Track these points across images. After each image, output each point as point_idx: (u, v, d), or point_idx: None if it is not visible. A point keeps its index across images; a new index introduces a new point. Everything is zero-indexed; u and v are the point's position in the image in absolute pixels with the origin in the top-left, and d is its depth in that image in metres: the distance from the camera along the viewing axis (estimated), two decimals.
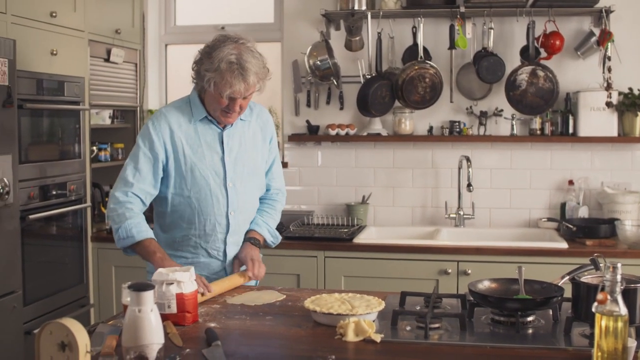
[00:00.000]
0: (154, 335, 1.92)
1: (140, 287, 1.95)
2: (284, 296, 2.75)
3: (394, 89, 4.63)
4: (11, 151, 3.58)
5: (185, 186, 2.90)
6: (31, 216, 3.85)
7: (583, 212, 4.56)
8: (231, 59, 2.73)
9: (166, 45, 5.45)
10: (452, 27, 4.58)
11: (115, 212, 2.81)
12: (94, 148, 4.74)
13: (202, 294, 2.64)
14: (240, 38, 2.81)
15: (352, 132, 4.81)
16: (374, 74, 4.69)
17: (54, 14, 4.05)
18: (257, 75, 2.76)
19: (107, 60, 4.70)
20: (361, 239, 4.33)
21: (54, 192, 4.10)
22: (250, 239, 3.03)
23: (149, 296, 1.94)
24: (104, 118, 4.99)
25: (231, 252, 3.00)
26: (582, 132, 4.52)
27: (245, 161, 2.96)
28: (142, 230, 2.80)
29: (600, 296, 1.81)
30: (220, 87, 2.74)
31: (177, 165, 2.88)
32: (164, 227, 3.00)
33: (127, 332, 1.92)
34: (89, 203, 4.47)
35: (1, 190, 3.49)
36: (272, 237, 3.14)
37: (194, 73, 2.84)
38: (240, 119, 2.96)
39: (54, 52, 4.07)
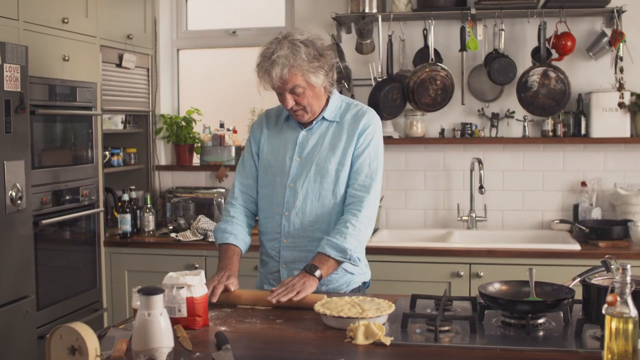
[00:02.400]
0: (163, 338, 1.93)
1: (149, 291, 1.95)
2: None
3: (405, 91, 4.62)
4: (24, 157, 3.61)
5: (261, 182, 3.01)
6: (44, 221, 3.88)
7: (596, 214, 4.54)
8: (265, 53, 2.76)
9: (178, 50, 5.47)
10: (463, 29, 4.57)
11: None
12: (107, 153, 4.77)
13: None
14: (291, 33, 2.80)
15: None
16: (385, 77, 4.68)
17: (65, 20, 4.07)
18: (289, 68, 2.71)
19: (119, 65, 4.73)
20: (373, 241, 4.32)
21: (67, 197, 4.13)
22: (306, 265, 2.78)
23: (158, 300, 1.95)
24: (117, 123, 5.01)
25: (286, 256, 2.92)
26: (595, 133, 4.50)
27: (315, 162, 2.88)
28: (225, 234, 2.95)
29: (610, 298, 1.81)
30: (258, 84, 2.80)
31: (260, 161, 3.00)
32: None
33: (137, 336, 1.93)
34: (101, 208, 4.49)
35: (14, 196, 3.51)
36: (338, 252, 2.76)
37: None
38: (325, 119, 2.91)
39: (66, 58, 4.10)
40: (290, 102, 2.79)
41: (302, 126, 2.94)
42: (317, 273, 2.72)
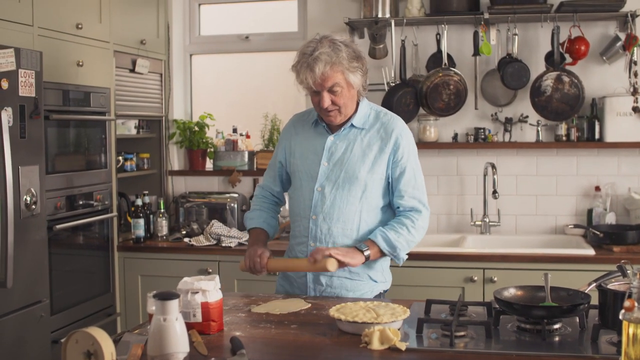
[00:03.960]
0: (179, 343, 1.93)
1: (165, 296, 1.96)
2: (309, 305, 2.74)
3: (418, 96, 4.62)
4: (38, 162, 3.62)
5: (291, 186, 3.07)
6: (58, 226, 3.89)
7: (610, 219, 4.52)
8: (305, 51, 2.78)
9: (191, 55, 5.48)
10: (476, 34, 4.56)
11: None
12: (120, 158, 4.78)
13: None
14: (329, 35, 2.83)
15: None
16: (398, 82, 4.68)
17: (79, 26, 4.09)
18: (331, 65, 2.73)
19: (133, 70, 4.74)
20: None
21: (81, 202, 4.14)
22: (358, 243, 2.90)
23: (174, 305, 1.95)
24: (130, 128, 5.02)
25: None
26: (609, 137, 4.48)
27: (344, 169, 2.89)
28: (254, 218, 3.11)
29: (627, 303, 1.79)
30: (297, 81, 2.81)
31: (289, 166, 3.05)
32: None
33: (153, 341, 1.93)
34: (115, 213, 4.50)
35: (28, 201, 3.52)
36: (388, 246, 2.85)
37: None
38: (354, 126, 2.92)
39: (80, 64, 4.11)
40: (327, 101, 2.80)
41: (330, 131, 2.95)
42: (367, 253, 2.83)
